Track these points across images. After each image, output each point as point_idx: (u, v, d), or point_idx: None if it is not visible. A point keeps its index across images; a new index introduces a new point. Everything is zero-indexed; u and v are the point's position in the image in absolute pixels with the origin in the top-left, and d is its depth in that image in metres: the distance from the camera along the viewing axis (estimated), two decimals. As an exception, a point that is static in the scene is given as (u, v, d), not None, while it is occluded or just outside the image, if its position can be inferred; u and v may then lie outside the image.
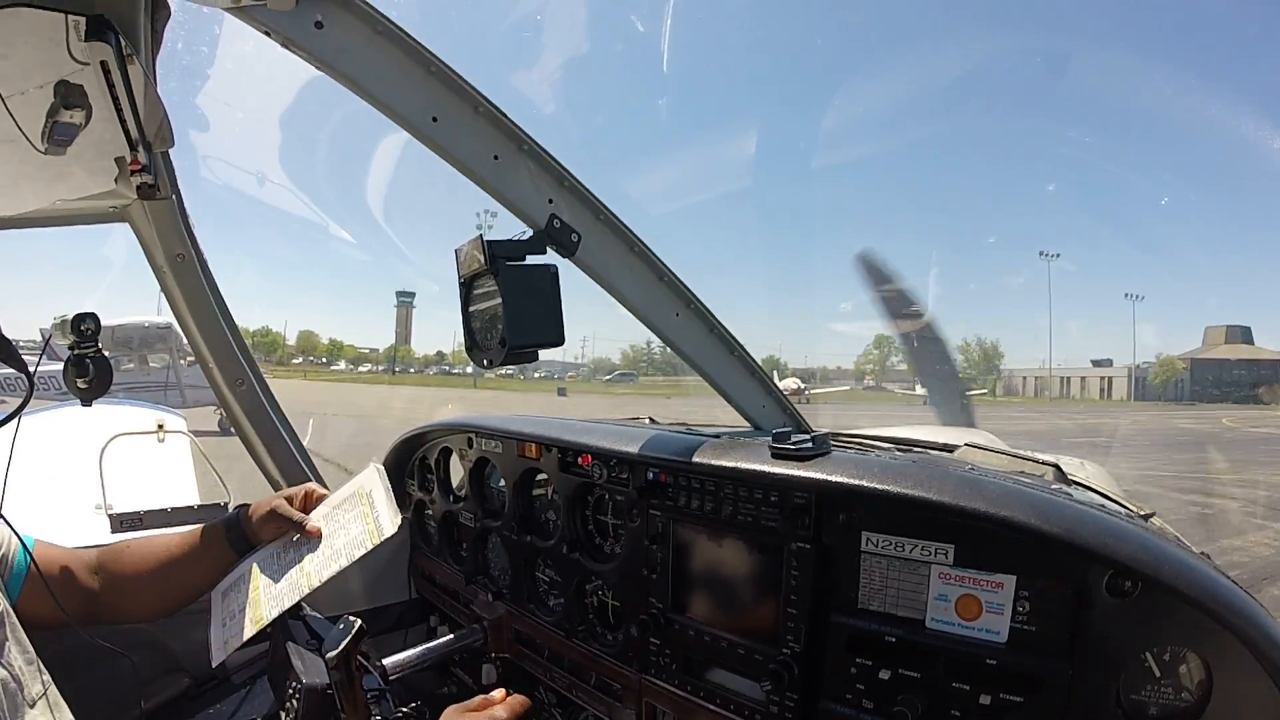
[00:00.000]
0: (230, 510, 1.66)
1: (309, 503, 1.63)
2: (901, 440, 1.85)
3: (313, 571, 1.46)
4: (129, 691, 1.69)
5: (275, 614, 1.42)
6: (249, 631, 1.42)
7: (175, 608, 1.54)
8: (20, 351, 1.26)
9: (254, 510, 1.58)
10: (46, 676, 1.30)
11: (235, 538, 1.56)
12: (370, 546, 1.46)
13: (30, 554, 1.40)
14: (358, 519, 1.53)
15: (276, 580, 1.48)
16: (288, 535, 1.57)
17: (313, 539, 1.53)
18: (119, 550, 1.53)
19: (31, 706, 1.24)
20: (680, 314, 1.66)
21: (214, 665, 1.47)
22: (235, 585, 1.54)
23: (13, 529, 1.41)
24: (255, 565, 1.55)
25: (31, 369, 1.27)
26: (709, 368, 1.76)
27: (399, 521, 1.50)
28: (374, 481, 1.59)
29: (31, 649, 1.31)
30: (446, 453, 2.31)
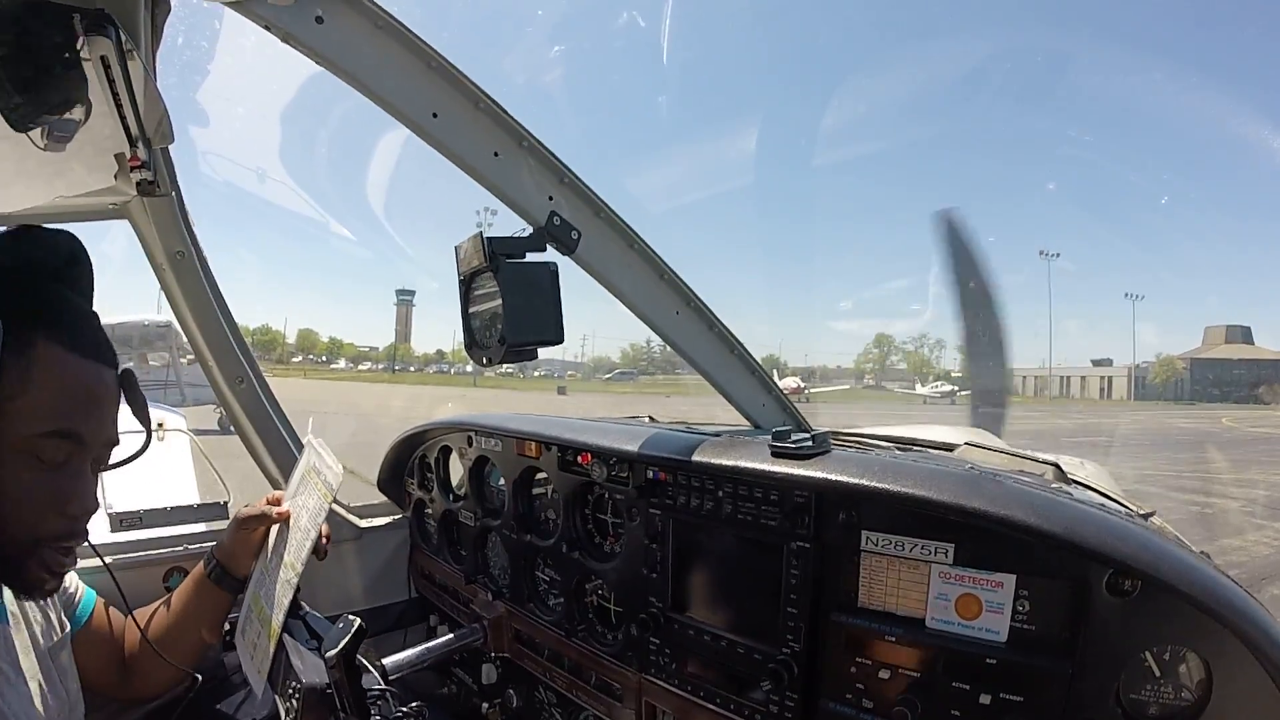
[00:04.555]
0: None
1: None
2: (902, 439, 1.85)
3: (293, 561, 1.46)
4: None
5: (282, 616, 1.42)
6: (271, 646, 1.42)
7: (196, 663, 1.55)
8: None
9: (229, 534, 1.57)
10: (83, 708, 1.33)
11: (219, 575, 1.54)
12: (328, 506, 1.48)
13: (91, 609, 1.47)
14: (313, 492, 1.53)
15: (272, 589, 1.48)
16: (264, 547, 1.56)
17: (287, 532, 1.52)
18: (131, 630, 1.54)
19: None
20: (680, 312, 1.66)
21: (259, 696, 1.48)
22: (247, 620, 1.54)
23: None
24: (250, 590, 1.55)
25: None
26: (709, 366, 1.76)
27: (340, 470, 1.51)
28: (314, 453, 1.59)
29: (79, 680, 1.34)
30: (446, 451, 2.31)
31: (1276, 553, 9.35)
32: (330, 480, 1.50)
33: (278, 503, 1.60)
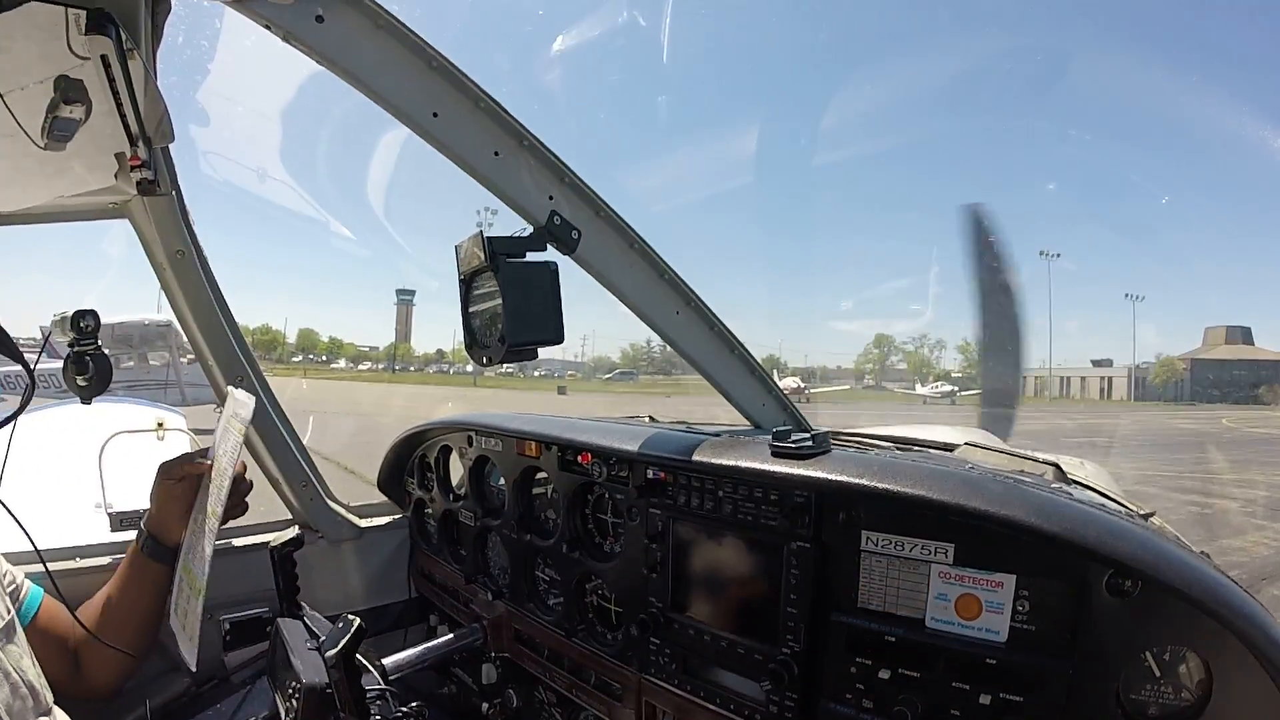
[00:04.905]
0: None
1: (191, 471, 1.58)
2: (901, 439, 1.85)
3: (214, 509, 1.44)
4: (129, 692, 1.69)
5: (206, 569, 1.40)
6: (199, 606, 1.40)
7: (145, 645, 1.54)
8: (20, 349, 1.27)
9: (152, 497, 1.55)
10: (50, 696, 1.32)
11: (150, 546, 1.52)
12: (243, 435, 1.49)
13: (39, 605, 1.48)
14: (231, 434, 1.53)
15: (196, 547, 1.46)
16: (192, 513, 1.55)
17: (207, 487, 1.50)
18: (84, 615, 1.52)
19: (41, 716, 1.26)
20: (680, 312, 1.66)
21: (194, 669, 1.47)
22: (178, 591, 1.52)
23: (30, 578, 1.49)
24: (181, 561, 1.53)
25: (32, 366, 1.27)
26: (709, 366, 1.76)
27: (251, 401, 1.53)
28: (232, 402, 1.61)
29: (39, 667, 1.32)
30: (446, 451, 2.31)
31: (1276, 553, 9.35)
32: (243, 415, 1.50)
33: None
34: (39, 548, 1.41)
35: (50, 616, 1.49)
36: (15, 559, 1.49)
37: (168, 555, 1.53)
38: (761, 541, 1.30)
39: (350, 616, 1.29)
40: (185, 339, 2.03)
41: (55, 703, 1.36)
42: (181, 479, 1.54)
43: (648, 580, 1.50)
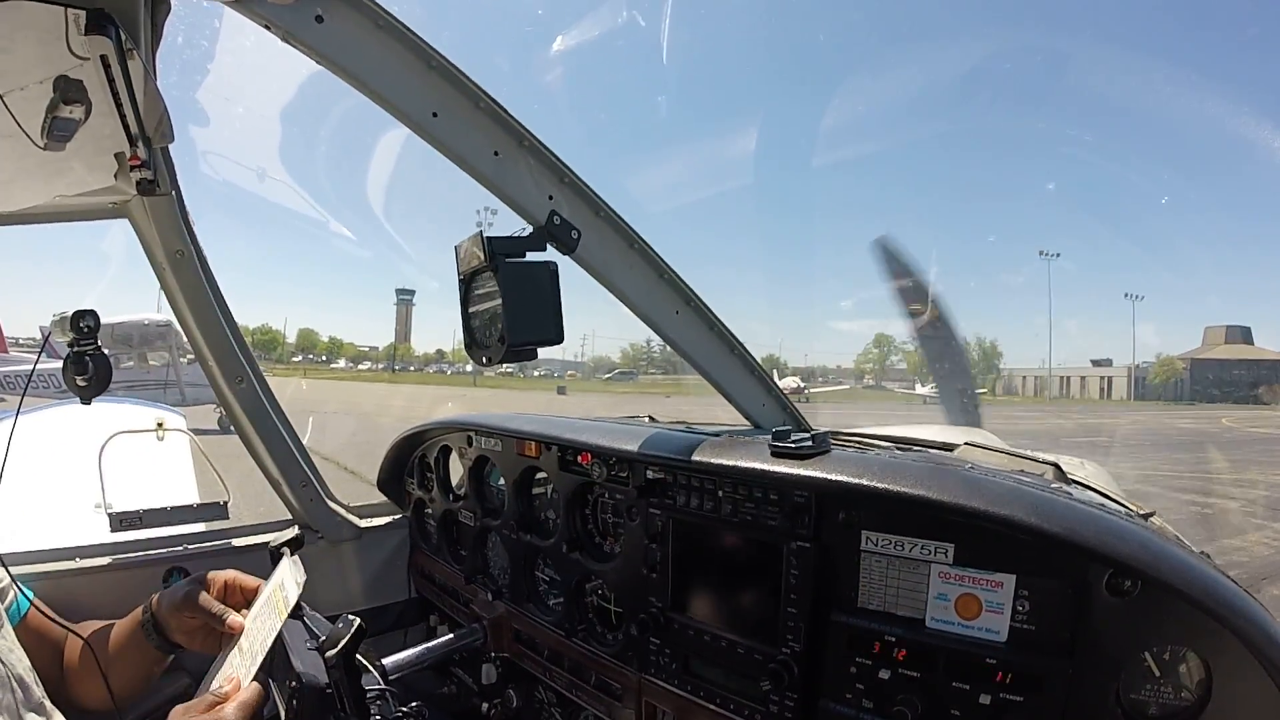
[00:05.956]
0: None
1: (231, 592, 1.43)
2: (901, 439, 1.85)
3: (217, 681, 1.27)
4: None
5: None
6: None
7: (121, 703, 1.46)
8: (22, 349, 1.26)
9: (170, 601, 1.42)
10: (42, 690, 1.31)
11: (150, 626, 1.44)
12: (280, 625, 1.33)
13: (28, 607, 1.45)
14: (270, 613, 1.37)
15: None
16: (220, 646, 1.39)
17: (235, 637, 1.35)
18: (73, 639, 1.48)
19: (31, 711, 1.25)
20: (680, 312, 1.66)
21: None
22: None
23: (16, 582, 1.47)
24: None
25: (31, 366, 1.26)
26: (709, 366, 1.76)
27: (299, 587, 1.40)
28: (285, 570, 1.45)
29: (28, 660, 1.32)
30: (446, 451, 2.31)
31: (1276, 553, 9.35)
32: (289, 597, 1.37)
33: (246, 591, 1.44)
34: (8, 553, 1.38)
35: (39, 627, 1.47)
36: (16, 560, 1.48)
37: (163, 645, 1.44)
38: (761, 541, 1.30)
39: (350, 616, 1.29)
40: (185, 339, 2.03)
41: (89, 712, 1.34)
42: (194, 618, 1.40)
43: (648, 580, 1.50)
